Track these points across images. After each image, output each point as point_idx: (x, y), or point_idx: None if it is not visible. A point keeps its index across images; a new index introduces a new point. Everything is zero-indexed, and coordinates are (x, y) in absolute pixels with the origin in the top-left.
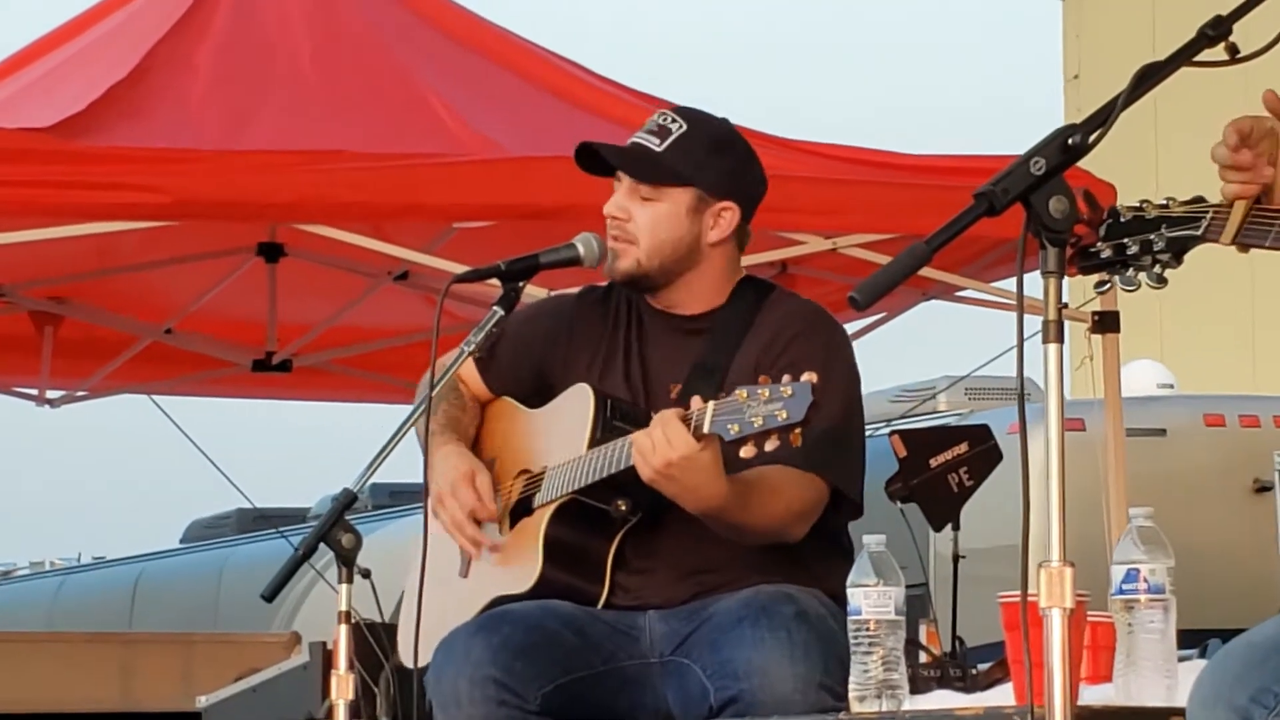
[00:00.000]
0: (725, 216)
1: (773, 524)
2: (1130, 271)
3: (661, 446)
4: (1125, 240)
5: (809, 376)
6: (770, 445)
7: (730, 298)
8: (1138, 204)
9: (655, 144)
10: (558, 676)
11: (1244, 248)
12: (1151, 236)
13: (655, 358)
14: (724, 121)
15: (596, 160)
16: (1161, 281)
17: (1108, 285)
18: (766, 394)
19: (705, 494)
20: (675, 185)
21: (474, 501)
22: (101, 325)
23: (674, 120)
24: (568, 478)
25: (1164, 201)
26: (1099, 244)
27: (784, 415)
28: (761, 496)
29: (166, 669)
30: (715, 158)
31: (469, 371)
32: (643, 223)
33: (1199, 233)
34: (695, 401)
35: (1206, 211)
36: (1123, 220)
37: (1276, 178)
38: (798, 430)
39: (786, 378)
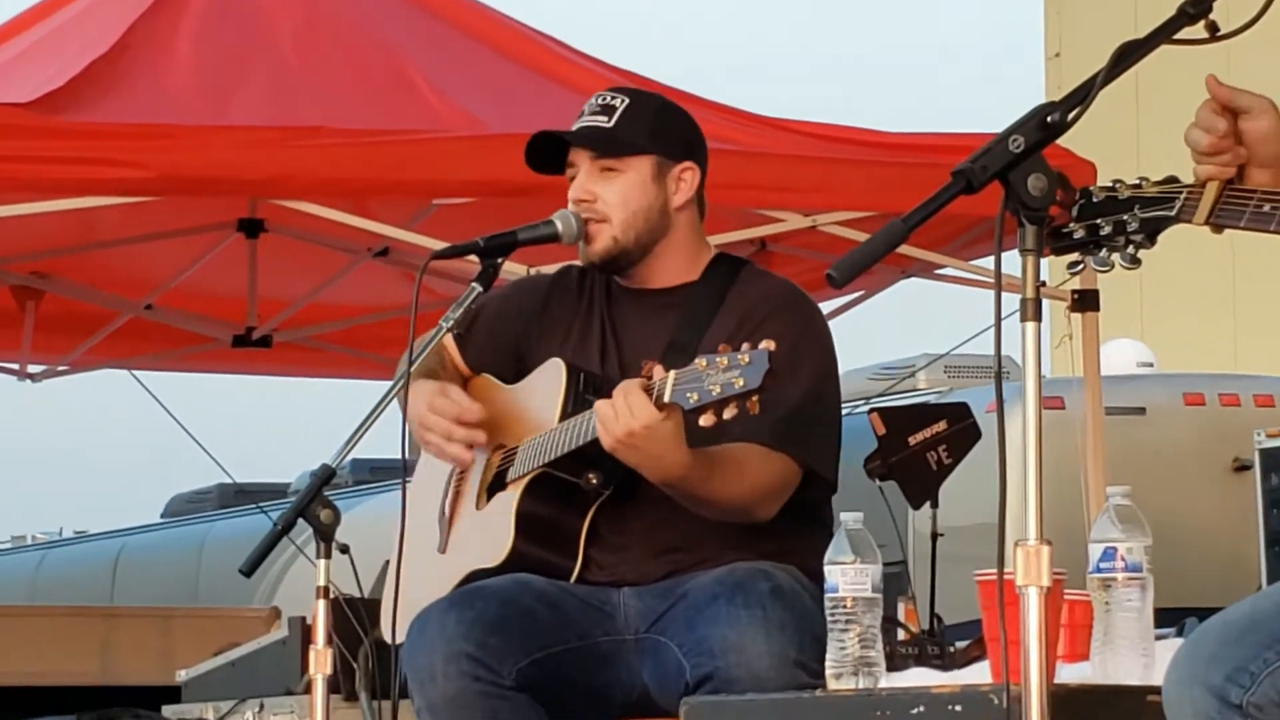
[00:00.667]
0: (686, 178)
1: (737, 499)
2: (1104, 252)
3: (623, 415)
4: (1098, 220)
5: (767, 344)
6: (728, 414)
7: (703, 275)
8: (1110, 184)
9: (604, 121)
10: (532, 651)
11: (1218, 228)
12: (1125, 217)
13: (629, 335)
14: (658, 94)
15: (546, 158)
16: (1135, 262)
17: (1080, 266)
18: (725, 362)
19: (667, 463)
20: (635, 155)
21: (453, 408)
22: (82, 300)
23: (614, 97)
24: (539, 451)
25: (1137, 181)
26: (1071, 224)
27: (740, 383)
28: (726, 471)
29: (146, 643)
30: (664, 123)
31: (449, 347)
32: (611, 198)
33: (1173, 213)
34: (657, 371)
35: (1180, 192)
36: (1095, 200)
37: (1250, 158)
38: (755, 398)
39: (745, 346)
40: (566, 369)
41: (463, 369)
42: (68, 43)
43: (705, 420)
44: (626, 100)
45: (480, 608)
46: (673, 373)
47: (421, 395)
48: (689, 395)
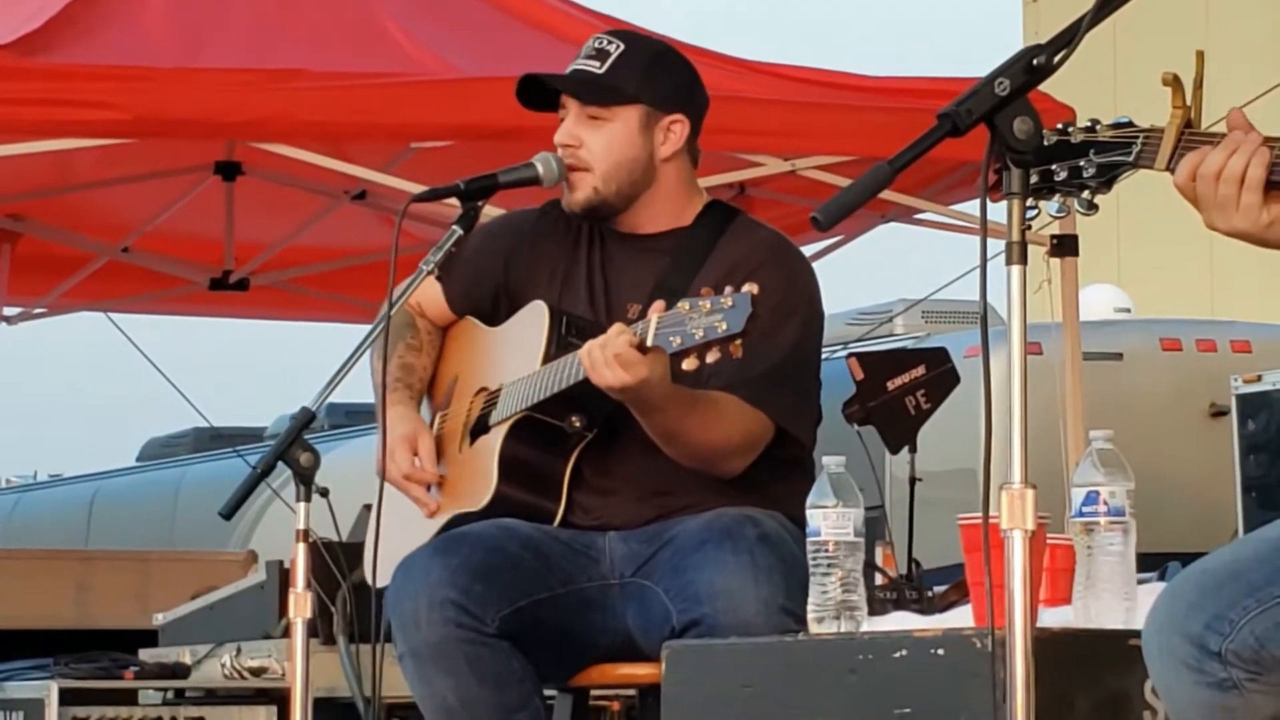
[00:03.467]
0: (675, 130)
1: (709, 443)
2: (1057, 197)
3: (615, 371)
4: (1053, 166)
5: (750, 287)
6: (711, 357)
7: (695, 220)
8: (1062, 127)
9: (596, 66)
10: (517, 599)
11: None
12: (1081, 163)
13: (616, 277)
14: (659, 39)
15: (538, 94)
16: (1092, 208)
17: (1035, 211)
18: (708, 305)
19: (653, 396)
20: (622, 104)
21: (409, 467)
22: (59, 243)
23: (610, 42)
24: (522, 394)
25: (1089, 124)
26: None
27: (723, 326)
28: (704, 412)
29: (123, 587)
30: (657, 73)
31: (430, 294)
32: (595, 148)
33: (1130, 159)
34: (657, 305)
35: (1137, 137)
36: (1048, 145)
37: (1199, 99)
38: (738, 342)
39: (729, 289)
40: (549, 312)
41: (444, 315)
42: None
43: (688, 364)
44: (622, 46)
45: (465, 554)
46: (655, 316)
47: (394, 431)
48: (672, 339)
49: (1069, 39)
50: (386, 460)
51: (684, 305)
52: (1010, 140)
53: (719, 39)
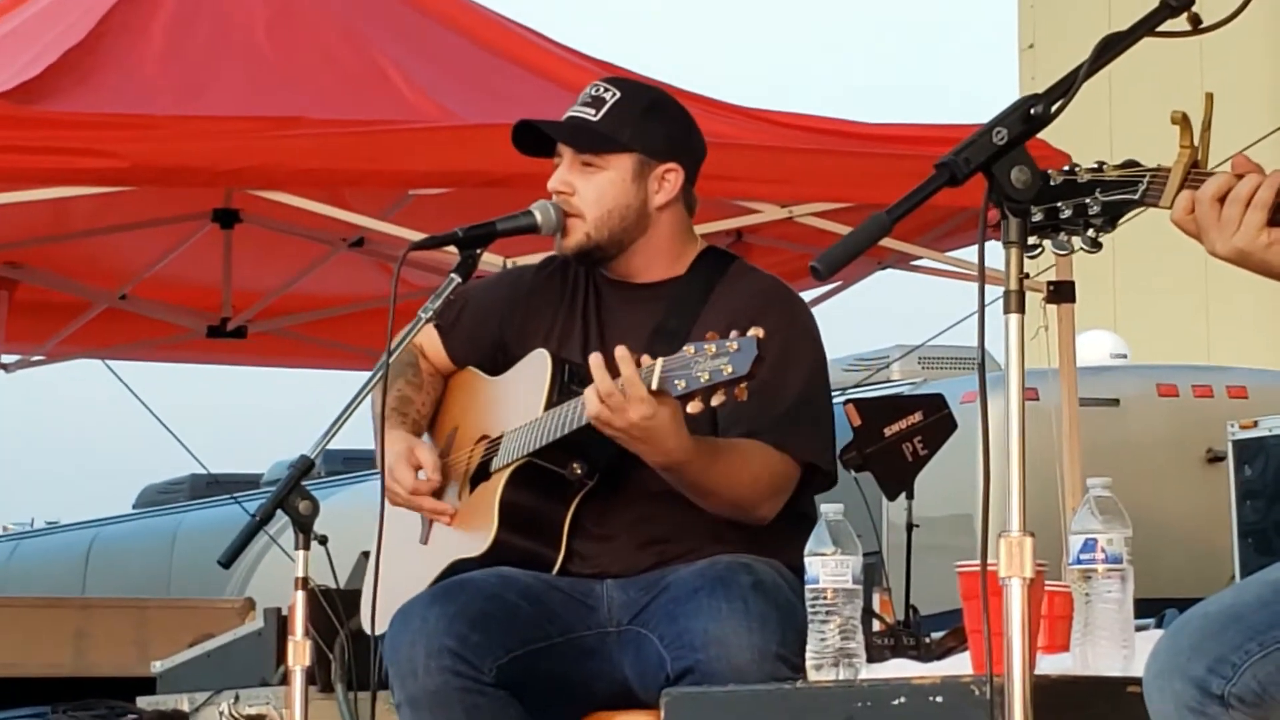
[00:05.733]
0: (670, 179)
1: (739, 490)
2: (1062, 235)
3: (619, 408)
4: (1058, 204)
5: (755, 331)
6: (716, 400)
7: (690, 268)
8: (1069, 168)
9: (591, 114)
10: (514, 647)
11: None
12: (1086, 200)
13: (613, 326)
14: (655, 87)
15: (534, 141)
16: (1096, 246)
17: (1039, 250)
18: (713, 349)
19: (669, 448)
20: (616, 152)
21: (412, 480)
22: (57, 290)
23: (606, 89)
24: (523, 441)
25: (1095, 165)
26: (1031, 208)
27: (729, 370)
28: (729, 460)
29: (121, 634)
30: (652, 121)
31: (431, 341)
32: (588, 195)
33: (1136, 197)
34: (645, 359)
35: (1144, 175)
36: (1053, 184)
37: (1207, 140)
38: (743, 385)
39: (734, 333)
40: (551, 360)
41: (444, 363)
42: (42, 32)
43: (693, 407)
44: (618, 94)
45: (463, 602)
46: (660, 360)
47: (391, 449)
48: (677, 383)
49: (1066, 88)
50: (389, 481)
51: (689, 349)
52: (1008, 189)
53: (713, 87)
